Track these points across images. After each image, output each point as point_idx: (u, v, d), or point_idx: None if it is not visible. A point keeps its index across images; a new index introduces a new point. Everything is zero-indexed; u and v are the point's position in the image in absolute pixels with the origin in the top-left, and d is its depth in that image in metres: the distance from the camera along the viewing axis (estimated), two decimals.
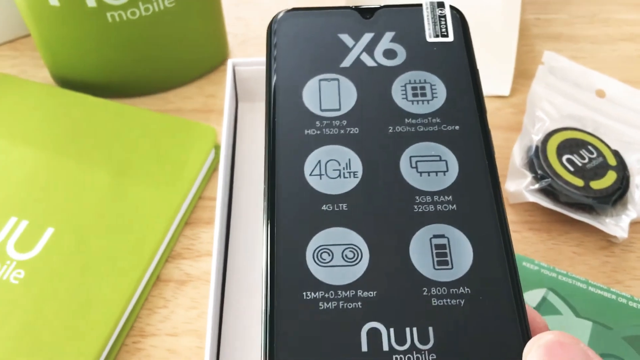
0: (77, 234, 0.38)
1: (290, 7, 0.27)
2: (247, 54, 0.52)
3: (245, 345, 0.35)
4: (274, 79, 0.25)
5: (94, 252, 0.38)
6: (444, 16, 0.27)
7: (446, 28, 0.27)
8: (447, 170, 0.23)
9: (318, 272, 0.21)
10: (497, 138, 0.46)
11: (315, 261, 0.22)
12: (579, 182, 0.40)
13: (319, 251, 0.22)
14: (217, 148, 0.45)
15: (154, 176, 0.41)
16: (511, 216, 0.42)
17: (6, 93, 0.46)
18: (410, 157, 0.24)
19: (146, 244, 0.38)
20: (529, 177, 0.41)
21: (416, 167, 0.23)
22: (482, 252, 0.22)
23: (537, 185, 0.41)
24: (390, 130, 0.24)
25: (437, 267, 0.21)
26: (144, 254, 0.38)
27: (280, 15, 0.27)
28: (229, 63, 0.43)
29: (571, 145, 0.42)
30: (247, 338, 0.35)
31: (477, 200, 0.23)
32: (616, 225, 0.40)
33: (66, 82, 0.48)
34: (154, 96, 0.49)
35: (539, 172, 0.41)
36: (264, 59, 0.44)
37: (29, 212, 0.39)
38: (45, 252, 0.38)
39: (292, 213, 0.23)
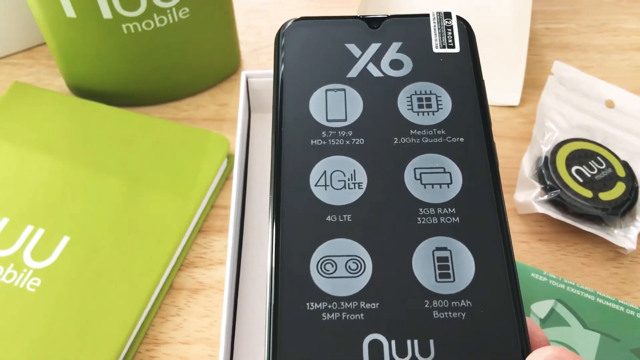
0: (92, 243, 0.39)
1: (299, 16, 0.28)
2: (259, 62, 0.53)
3: (258, 354, 0.36)
4: (281, 88, 0.26)
5: (108, 261, 0.38)
6: (451, 27, 0.27)
7: (453, 39, 0.27)
8: (451, 183, 0.24)
9: (321, 283, 0.22)
10: (506, 148, 0.47)
11: (319, 272, 0.22)
12: (588, 194, 0.41)
13: (323, 262, 0.22)
14: (229, 157, 0.45)
15: (168, 185, 0.42)
16: (520, 227, 0.42)
17: (22, 101, 0.46)
18: (415, 168, 0.24)
19: (160, 252, 0.39)
20: (538, 187, 0.42)
21: (420, 179, 0.24)
22: (484, 265, 0.22)
23: (546, 197, 0.41)
24: (395, 142, 0.24)
25: (439, 279, 0.22)
26: (157, 262, 0.39)
27: (289, 24, 0.27)
28: (242, 75, 0.44)
29: (580, 157, 0.43)
30: (259, 347, 0.36)
31: (480, 214, 0.23)
32: (625, 236, 0.40)
33: (81, 90, 0.48)
34: (167, 104, 0.49)
35: (548, 183, 0.41)
36: None
37: (45, 220, 0.40)
38: (60, 261, 0.38)
39: (297, 223, 0.23)
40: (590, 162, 0.42)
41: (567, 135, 0.44)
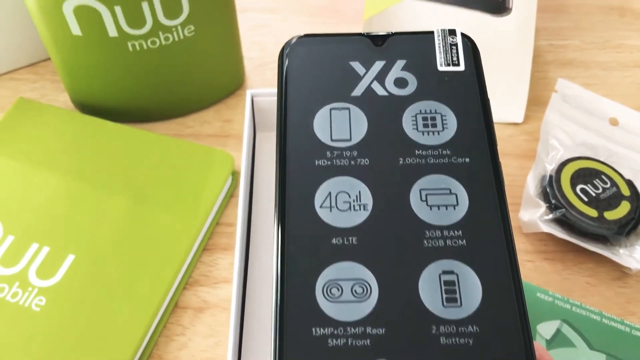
0: (97, 261, 0.39)
1: (302, 32, 0.27)
2: (264, 78, 0.53)
3: None
4: (285, 107, 0.25)
5: (113, 279, 0.38)
6: (456, 44, 0.27)
7: (457, 57, 0.27)
8: (457, 204, 0.23)
9: (327, 307, 0.21)
10: (511, 166, 0.47)
11: (324, 296, 0.22)
12: (593, 213, 0.41)
13: (329, 286, 0.22)
14: (234, 174, 0.45)
15: (173, 202, 0.42)
16: (525, 245, 0.43)
17: (27, 118, 0.46)
18: (420, 189, 0.24)
19: (165, 271, 0.39)
20: (543, 206, 0.42)
21: (426, 200, 0.23)
22: (491, 289, 0.22)
23: (551, 216, 0.41)
24: (400, 162, 0.24)
25: (446, 304, 0.21)
26: (162, 281, 0.39)
27: (293, 41, 0.27)
28: (248, 93, 0.44)
29: (585, 175, 0.43)
30: None
31: (487, 236, 0.23)
32: (630, 256, 0.40)
33: (86, 106, 0.48)
34: (172, 121, 0.50)
35: (553, 201, 0.42)
36: None
37: (50, 238, 0.40)
38: (66, 279, 0.38)
39: (302, 246, 0.23)
40: (594, 181, 0.42)
41: (571, 154, 0.45)
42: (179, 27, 0.43)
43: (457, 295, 0.22)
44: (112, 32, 0.41)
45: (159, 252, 0.40)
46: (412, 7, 0.51)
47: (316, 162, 0.24)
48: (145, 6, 0.40)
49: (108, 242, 0.40)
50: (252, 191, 0.44)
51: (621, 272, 0.41)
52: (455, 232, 0.23)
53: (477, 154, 0.24)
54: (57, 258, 0.39)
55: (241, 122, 0.49)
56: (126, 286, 0.38)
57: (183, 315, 0.39)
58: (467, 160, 0.24)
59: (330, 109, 0.25)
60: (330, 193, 0.24)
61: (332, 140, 0.25)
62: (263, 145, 0.46)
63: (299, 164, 0.24)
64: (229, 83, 0.50)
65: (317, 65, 0.26)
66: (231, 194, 0.45)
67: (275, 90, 0.44)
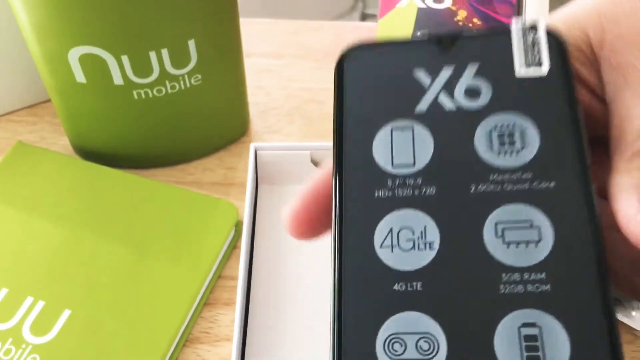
0: (94, 317, 0.38)
1: (355, 42, 0.24)
2: (267, 124, 0.52)
3: None
4: (341, 128, 0.22)
5: (110, 336, 0.37)
6: (538, 43, 0.23)
7: (540, 57, 0.22)
8: (540, 240, 0.20)
9: None
10: None
11: (386, 353, 0.19)
12: None
13: (391, 340, 0.19)
14: (237, 225, 0.44)
15: (175, 255, 0.41)
16: None
17: (25, 163, 0.45)
18: (496, 223, 0.20)
19: (165, 328, 0.38)
20: None
21: (503, 237, 0.20)
22: (582, 346, 0.18)
23: None
24: (472, 190, 0.21)
25: None
26: (162, 338, 0.37)
27: (349, 52, 0.24)
28: (252, 147, 0.43)
29: None
30: None
31: (576, 280, 0.19)
32: None
33: (86, 151, 0.47)
34: (173, 167, 0.49)
35: None
36: (284, 143, 0.45)
37: (45, 292, 0.39)
38: (61, 336, 0.37)
39: (361, 294, 0.20)
40: None
41: None
42: (186, 76, 0.42)
43: (540, 353, 0.19)
44: (118, 80, 0.41)
45: (160, 308, 0.38)
46: None
47: (375, 193, 0.21)
48: (152, 55, 0.40)
49: (106, 296, 0.39)
50: (253, 244, 0.43)
51: (634, 335, 0.40)
52: (538, 275, 0.20)
53: (564, 177, 0.21)
54: (52, 313, 0.38)
55: (244, 170, 0.48)
56: (124, 344, 0.37)
57: None
58: (552, 185, 0.21)
59: (392, 129, 0.22)
60: (391, 230, 0.21)
61: (393, 166, 0.22)
62: (265, 197, 0.45)
63: (356, 196, 0.21)
64: (233, 130, 0.49)
65: (375, 78, 0.23)
66: (234, 245, 0.44)
67: (278, 144, 0.44)
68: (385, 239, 0.21)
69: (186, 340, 0.39)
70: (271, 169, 0.44)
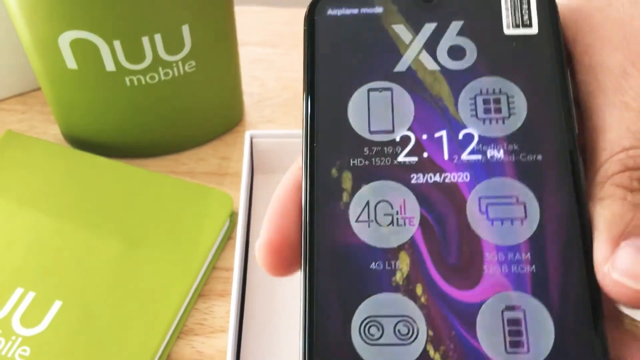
0: (86, 309, 0.37)
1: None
2: (263, 114, 0.51)
3: None
4: (313, 89, 0.20)
5: (102, 329, 0.36)
6: (528, 1, 0.21)
7: (529, 15, 0.21)
8: (526, 217, 0.19)
9: (366, 352, 0.18)
10: None
11: (362, 337, 0.18)
12: None
13: (367, 324, 0.18)
14: (232, 215, 0.43)
15: (168, 246, 0.40)
16: None
17: (15, 152, 0.44)
18: (480, 198, 0.19)
19: (158, 319, 0.37)
20: None
21: (487, 213, 0.19)
22: (567, 330, 0.17)
23: None
24: (455, 160, 0.19)
25: (509, 349, 0.17)
26: (155, 330, 0.36)
27: (320, 1, 0.21)
28: (247, 135, 0.42)
29: None
30: None
31: (563, 260, 0.18)
32: None
33: (77, 140, 0.46)
34: (167, 157, 0.48)
35: None
36: (280, 131, 0.44)
37: (35, 283, 0.38)
38: (51, 328, 0.36)
39: (335, 273, 0.18)
40: None
41: None
42: (180, 63, 0.41)
43: (524, 338, 0.18)
44: (110, 66, 0.40)
45: (153, 299, 0.38)
46: None
47: (351, 162, 0.20)
48: (145, 41, 0.39)
49: (98, 287, 0.38)
50: (248, 235, 0.42)
51: None
52: (523, 254, 0.18)
53: (552, 149, 0.19)
54: (43, 305, 0.37)
55: (239, 160, 0.48)
56: (116, 336, 0.36)
57: None
58: (540, 157, 0.19)
59: (369, 90, 0.20)
60: (368, 203, 0.19)
61: (370, 132, 0.20)
62: (260, 187, 0.44)
63: (330, 166, 0.20)
64: (227, 119, 0.49)
65: (350, 31, 0.21)
66: (229, 236, 0.43)
67: (274, 132, 0.43)
68: (361, 213, 0.19)
69: (180, 332, 0.39)
70: (267, 157, 0.43)
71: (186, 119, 0.46)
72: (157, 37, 0.39)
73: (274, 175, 0.45)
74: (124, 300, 0.37)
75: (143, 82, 0.41)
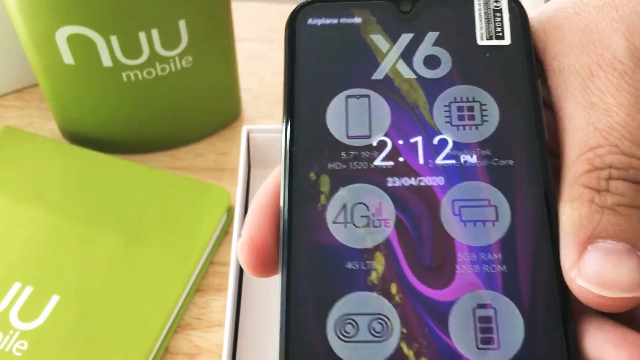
0: (84, 303, 0.37)
1: None
2: (260, 110, 0.51)
3: None
4: (292, 95, 0.21)
5: (100, 323, 0.36)
6: (500, 10, 0.22)
7: (502, 27, 0.21)
8: (497, 220, 0.19)
9: (341, 349, 0.18)
10: None
11: (337, 335, 0.18)
12: None
13: (343, 322, 0.18)
14: (229, 210, 0.44)
15: (166, 241, 0.40)
16: None
17: (13, 148, 0.44)
18: (454, 200, 0.20)
19: (156, 314, 0.37)
20: None
21: (460, 214, 0.19)
22: (536, 328, 0.18)
23: None
24: (430, 165, 0.20)
25: (480, 346, 0.18)
26: (153, 325, 0.36)
27: (301, 9, 0.22)
28: (244, 129, 0.42)
29: None
30: None
31: (533, 260, 0.19)
32: None
33: (75, 136, 0.47)
34: (164, 153, 0.48)
35: None
36: (277, 126, 0.44)
37: (33, 277, 0.38)
38: (49, 322, 0.36)
39: (311, 272, 0.19)
40: None
41: None
42: (177, 58, 0.41)
43: (494, 335, 0.18)
44: (107, 61, 0.40)
45: (150, 293, 0.38)
46: None
47: (329, 166, 0.20)
48: (142, 36, 0.39)
49: (96, 282, 0.38)
50: None
51: None
52: (494, 255, 0.19)
53: (523, 155, 0.20)
54: (40, 299, 0.37)
55: (236, 155, 0.48)
56: (114, 330, 0.36)
57: None
58: (511, 162, 0.20)
59: (347, 97, 0.21)
60: (345, 205, 0.20)
61: (348, 137, 0.21)
62: (258, 182, 0.44)
63: (309, 168, 0.20)
64: (225, 115, 0.49)
65: (330, 40, 0.22)
66: (226, 230, 0.43)
67: (271, 127, 0.43)
68: (338, 215, 0.20)
69: (177, 326, 0.39)
70: (264, 152, 0.43)
71: (183, 114, 0.46)
72: (154, 32, 0.39)
73: (271, 170, 0.44)
74: (121, 294, 0.37)
75: (140, 77, 0.41)
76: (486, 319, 0.18)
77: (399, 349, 0.18)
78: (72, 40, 0.39)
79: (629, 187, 0.18)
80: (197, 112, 0.46)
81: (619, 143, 0.18)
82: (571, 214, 0.18)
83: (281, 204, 0.20)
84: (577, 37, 0.20)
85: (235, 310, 0.38)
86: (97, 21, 0.38)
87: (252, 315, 0.38)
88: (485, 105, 0.21)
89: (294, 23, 0.22)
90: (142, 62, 0.40)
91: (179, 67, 0.42)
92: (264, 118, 0.51)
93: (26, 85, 0.51)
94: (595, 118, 0.18)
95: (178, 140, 0.47)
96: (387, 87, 0.21)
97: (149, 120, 0.45)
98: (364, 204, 0.20)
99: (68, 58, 0.40)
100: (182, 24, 0.40)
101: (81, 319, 0.36)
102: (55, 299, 0.37)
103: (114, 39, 0.38)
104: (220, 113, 0.48)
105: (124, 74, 0.41)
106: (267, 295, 0.39)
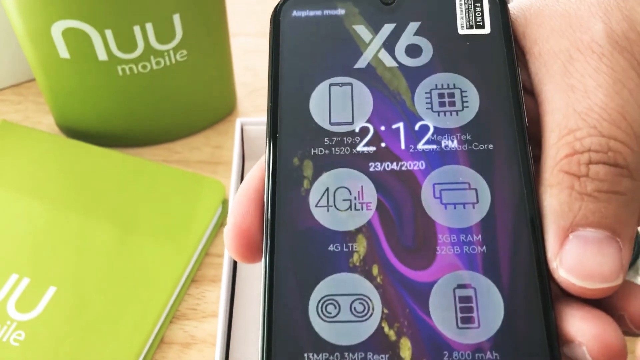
0: (80, 294, 0.37)
1: None
2: (255, 104, 0.52)
3: None
4: (277, 83, 0.22)
5: (97, 314, 0.37)
6: (480, 1, 0.22)
7: (482, 16, 0.22)
8: (477, 202, 0.20)
9: (322, 329, 0.19)
10: None
11: (319, 315, 0.19)
12: None
13: (324, 303, 0.19)
14: (224, 203, 0.44)
15: (161, 232, 0.41)
16: None
17: (10, 142, 0.45)
18: (434, 184, 0.20)
19: (151, 304, 0.37)
20: None
21: (440, 197, 0.20)
22: (515, 307, 0.18)
23: None
24: (411, 150, 0.20)
25: (460, 325, 0.18)
26: (149, 315, 0.37)
27: (286, 3, 0.23)
28: (238, 122, 0.43)
29: None
30: None
31: (512, 242, 0.19)
32: None
33: (72, 130, 0.47)
34: (160, 146, 0.48)
35: None
36: None
37: (30, 269, 0.38)
38: (46, 313, 0.37)
39: (294, 254, 0.19)
40: None
41: None
42: (171, 52, 0.42)
43: (475, 314, 0.18)
44: (102, 55, 0.40)
45: (146, 284, 0.38)
46: None
47: (312, 152, 0.21)
48: (137, 30, 0.39)
49: (92, 273, 0.38)
50: None
51: None
52: (474, 236, 0.19)
53: (502, 139, 0.20)
54: (37, 290, 0.37)
55: (231, 148, 0.48)
56: (110, 321, 0.37)
57: (169, 352, 0.38)
58: (491, 147, 0.20)
59: (330, 85, 0.22)
60: (327, 189, 0.20)
61: (330, 123, 0.21)
62: None
63: (292, 154, 0.21)
64: (220, 109, 0.49)
65: (314, 31, 0.22)
66: (221, 222, 0.44)
67: (265, 119, 0.43)
68: (320, 199, 0.20)
69: (173, 316, 0.39)
70: (258, 145, 0.44)
71: (179, 108, 0.46)
72: (149, 26, 0.39)
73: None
74: (117, 285, 0.38)
75: (135, 71, 0.42)
76: (466, 299, 0.19)
77: (380, 329, 0.19)
78: (68, 34, 0.39)
79: (609, 171, 0.18)
80: (192, 106, 0.47)
81: (597, 124, 0.18)
82: (552, 201, 0.19)
83: (265, 188, 0.20)
84: (556, 22, 0.20)
85: (230, 301, 0.38)
86: (92, 15, 0.38)
87: (246, 306, 0.39)
88: (465, 91, 0.21)
89: (278, 15, 0.23)
90: (137, 56, 0.41)
91: (173, 61, 0.42)
92: (259, 112, 0.51)
93: (23, 79, 0.52)
94: (575, 100, 0.19)
95: (174, 133, 0.48)
96: (370, 76, 0.22)
97: (144, 113, 0.45)
98: (347, 188, 0.20)
99: (64, 52, 0.40)
100: (176, 18, 0.40)
101: (78, 309, 0.37)
102: (52, 290, 0.37)
103: (109, 33, 0.39)
104: (215, 107, 0.49)
105: (119, 68, 0.41)
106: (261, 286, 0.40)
